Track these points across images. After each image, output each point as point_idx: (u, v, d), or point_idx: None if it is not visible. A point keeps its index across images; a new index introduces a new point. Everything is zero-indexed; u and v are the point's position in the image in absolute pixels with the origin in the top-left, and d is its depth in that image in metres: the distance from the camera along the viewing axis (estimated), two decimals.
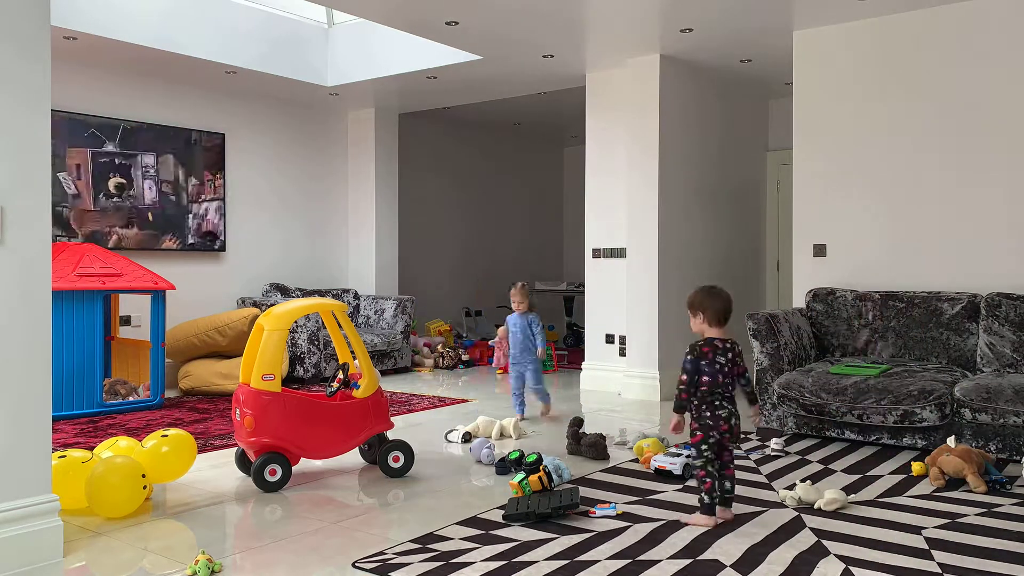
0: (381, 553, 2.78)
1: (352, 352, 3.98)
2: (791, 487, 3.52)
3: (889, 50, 5.18)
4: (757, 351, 4.72)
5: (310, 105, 7.91)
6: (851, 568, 2.62)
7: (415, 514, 3.24)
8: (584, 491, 3.50)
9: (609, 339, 6.62)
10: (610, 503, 3.25)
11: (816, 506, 3.25)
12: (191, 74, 6.71)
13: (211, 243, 7.08)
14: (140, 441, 3.66)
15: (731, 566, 2.64)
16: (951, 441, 3.67)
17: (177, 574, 2.62)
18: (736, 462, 4.03)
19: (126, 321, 6.44)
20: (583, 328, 9.28)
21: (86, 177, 6.28)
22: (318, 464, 4.05)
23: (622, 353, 6.52)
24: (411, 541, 2.90)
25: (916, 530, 2.99)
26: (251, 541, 2.94)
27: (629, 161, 6.22)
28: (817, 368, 4.64)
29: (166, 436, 3.57)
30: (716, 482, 3.04)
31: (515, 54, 6.11)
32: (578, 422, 4.33)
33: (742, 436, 4.67)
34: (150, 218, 6.67)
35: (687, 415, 3.13)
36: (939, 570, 2.60)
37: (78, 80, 6.32)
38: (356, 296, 7.85)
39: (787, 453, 4.24)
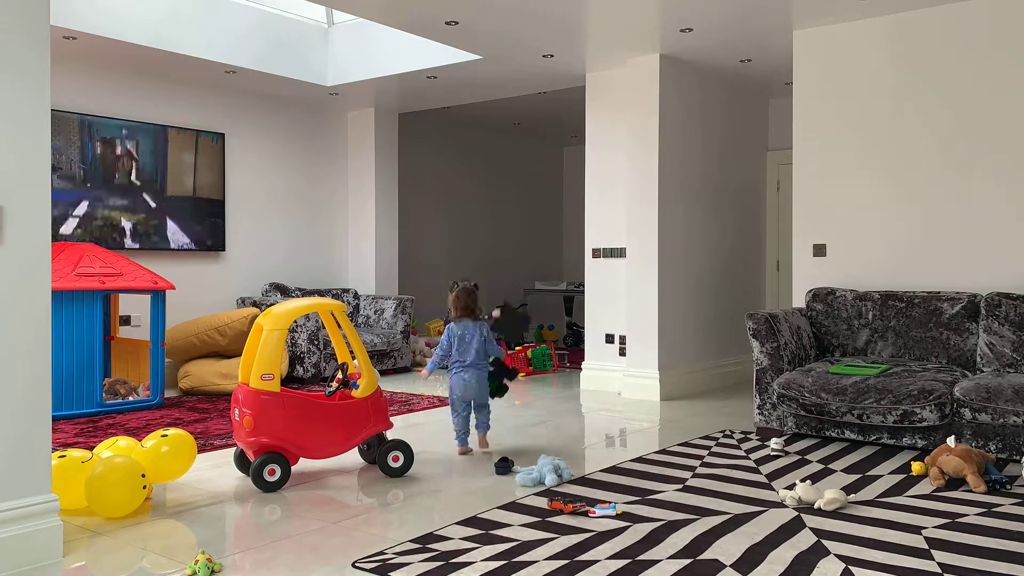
0: (381, 553, 2.78)
1: (351, 352, 3.98)
2: (791, 487, 3.52)
3: (889, 50, 5.18)
4: (757, 351, 4.72)
5: (310, 105, 7.91)
6: (851, 568, 2.62)
7: (415, 514, 3.24)
8: (584, 491, 3.50)
9: (609, 339, 6.62)
10: (610, 503, 3.25)
11: (816, 506, 3.25)
12: (191, 74, 6.72)
13: (211, 243, 7.08)
14: (140, 441, 3.66)
15: (731, 566, 2.64)
16: (951, 441, 3.67)
17: (177, 574, 2.62)
18: (736, 462, 4.04)
19: (126, 321, 6.44)
20: (583, 328, 9.28)
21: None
22: (318, 464, 4.05)
23: (622, 353, 6.52)
24: (411, 541, 2.90)
25: (916, 530, 2.99)
26: (251, 541, 2.94)
27: (629, 161, 6.22)
28: (817, 368, 4.63)
29: (166, 436, 3.56)
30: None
31: (515, 54, 6.11)
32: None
33: (733, 433, 4.67)
34: (150, 217, 6.67)
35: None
36: (939, 570, 2.60)
37: (78, 80, 6.32)
38: (356, 296, 7.85)
39: (787, 453, 4.24)
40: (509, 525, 3.06)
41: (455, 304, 4.35)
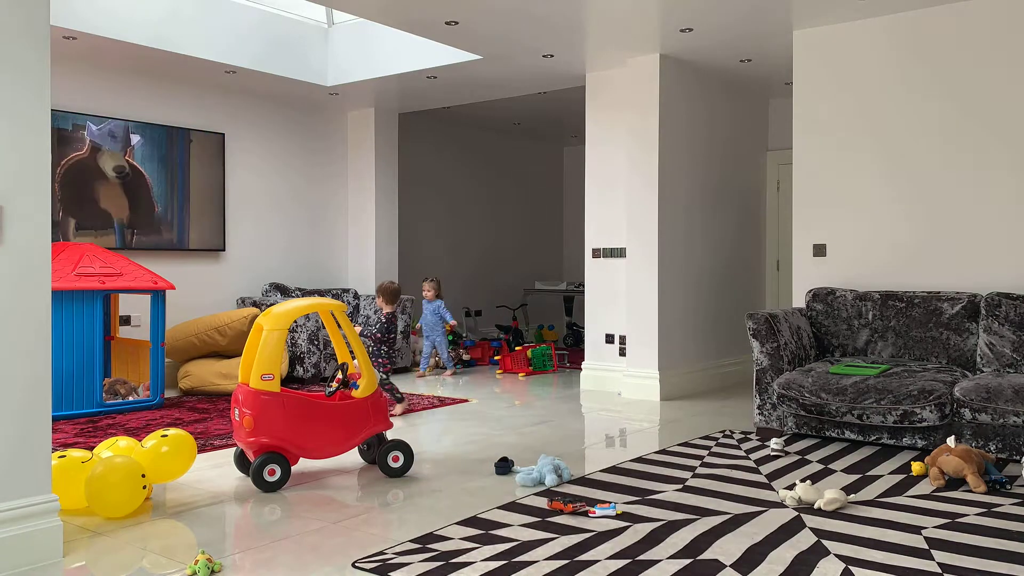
0: (381, 553, 2.78)
1: (351, 352, 3.98)
2: (791, 487, 3.52)
3: (889, 50, 5.18)
4: (757, 351, 4.72)
5: (310, 105, 7.91)
6: (851, 568, 2.62)
7: (415, 514, 3.24)
8: (584, 491, 3.50)
9: (609, 339, 6.62)
10: (610, 503, 3.25)
11: (816, 506, 3.25)
12: (191, 74, 6.72)
13: (211, 243, 7.08)
14: (140, 441, 3.66)
15: (731, 566, 2.64)
16: (951, 441, 3.67)
17: (177, 574, 2.62)
18: (736, 462, 4.04)
19: (126, 321, 6.44)
20: (583, 328, 9.28)
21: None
22: (318, 464, 4.05)
23: (622, 353, 6.52)
24: (411, 541, 2.90)
25: (916, 530, 2.99)
26: (251, 541, 2.94)
27: (629, 161, 6.22)
28: (817, 368, 4.64)
29: (166, 436, 3.57)
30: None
31: (515, 54, 6.11)
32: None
33: (733, 433, 4.67)
34: (151, 218, 6.67)
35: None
36: (939, 570, 2.60)
37: (78, 80, 6.32)
38: (356, 296, 7.85)
39: (787, 453, 4.24)
40: (509, 525, 3.06)
41: (428, 290, 7.29)
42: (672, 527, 3.03)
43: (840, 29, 5.35)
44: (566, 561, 2.69)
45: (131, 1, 5.81)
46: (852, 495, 3.43)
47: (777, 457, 4.16)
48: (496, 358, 7.99)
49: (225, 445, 4.46)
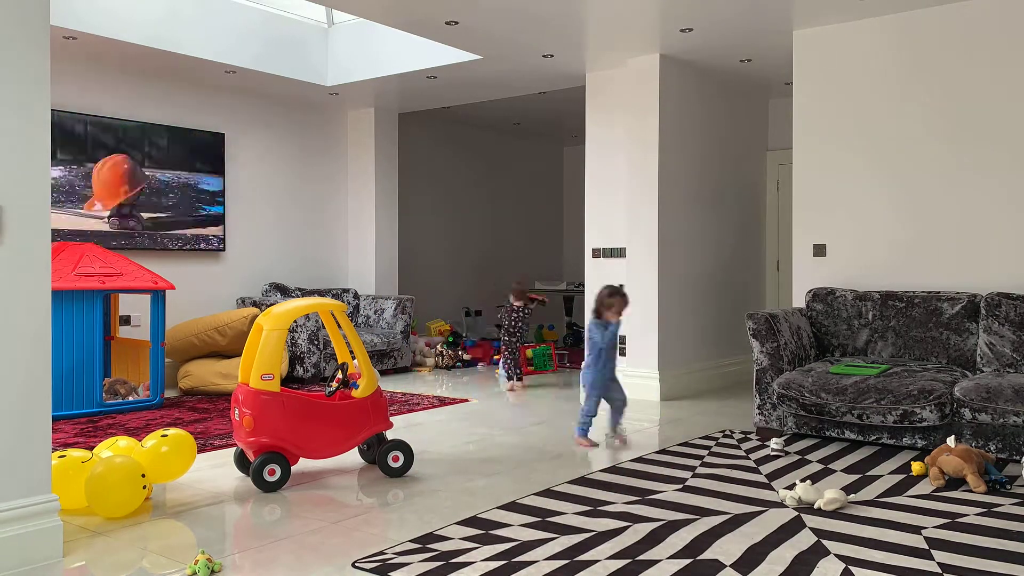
0: (381, 553, 2.78)
1: (351, 352, 3.98)
2: (791, 487, 3.52)
3: (889, 50, 5.18)
4: (757, 351, 4.72)
5: (310, 105, 7.91)
6: (851, 568, 2.62)
7: (415, 514, 3.24)
8: (584, 491, 3.50)
9: None
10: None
11: (816, 506, 3.25)
12: (191, 74, 6.72)
13: (211, 243, 7.08)
14: (140, 441, 3.66)
15: (731, 566, 2.64)
16: (951, 441, 3.67)
17: (177, 574, 2.62)
18: (736, 462, 4.04)
19: (126, 321, 6.44)
20: (583, 328, 9.27)
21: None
22: (318, 464, 4.05)
23: (622, 353, 6.51)
24: (411, 541, 2.90)
25: (916, 530, 2.99)
26: (251, 541, 2.94)
27: (629, 161, 6.22)
28: (817, 368, 4.63)
29: (166, 436, 3.57)
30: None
31: (515, 54, 6.11)
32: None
33: (733, 433, 4.67)
34: (150, 217, 6.67)
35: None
36: (939, 570, 2.60)
37: (78, 80, 6.32)
38: (356, 296, 7.85)
39: (787, 453, 4.24)
40: (509, 525, 3.06)
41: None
42: (672, 527, 3.03)
43: (840, 29, 5.35)
44: (566, 561, 2.69)
45: (131, 1, 5.81)
46: (852, 495, 3.43)
47: (777, 457, 4.16)
48: (496, 358, 7.99)
49: (225, 445, 4.46)
